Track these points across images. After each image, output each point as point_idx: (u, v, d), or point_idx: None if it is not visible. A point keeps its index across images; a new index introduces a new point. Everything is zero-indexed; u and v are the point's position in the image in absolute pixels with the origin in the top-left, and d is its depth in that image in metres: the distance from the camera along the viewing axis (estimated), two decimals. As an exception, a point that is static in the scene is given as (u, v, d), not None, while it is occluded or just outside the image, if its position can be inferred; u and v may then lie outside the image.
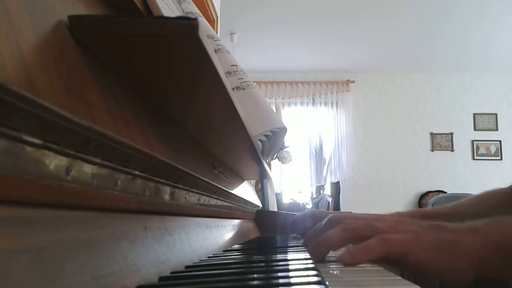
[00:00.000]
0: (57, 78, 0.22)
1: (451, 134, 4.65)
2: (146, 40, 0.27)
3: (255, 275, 0.33)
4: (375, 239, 0.40)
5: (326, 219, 0.49)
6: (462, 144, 4.65)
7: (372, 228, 0.43)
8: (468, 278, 0.42)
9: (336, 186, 4.67)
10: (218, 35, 1.03)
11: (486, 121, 4.67)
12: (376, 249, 0.39)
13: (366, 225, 0.44)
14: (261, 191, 1.35)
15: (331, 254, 0.48)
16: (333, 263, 0.44)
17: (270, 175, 1.11)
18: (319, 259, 0.44)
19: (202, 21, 0.60)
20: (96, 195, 0.25)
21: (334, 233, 0.44)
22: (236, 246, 0.64)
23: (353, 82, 4.69)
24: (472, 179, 4.51)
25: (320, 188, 4.69)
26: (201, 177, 0.45)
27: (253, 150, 0.63)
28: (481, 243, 0.41)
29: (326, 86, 4.67)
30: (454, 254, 0.41)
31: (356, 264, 0.39)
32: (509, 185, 0.71)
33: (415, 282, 0.30)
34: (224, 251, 0.55)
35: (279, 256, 0.46)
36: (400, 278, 0.33)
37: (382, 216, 0.48)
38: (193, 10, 0.62)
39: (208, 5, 2.18)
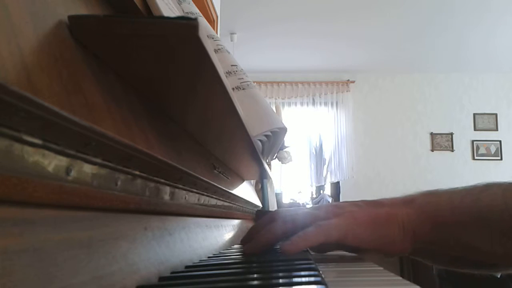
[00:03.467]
0: (57, 78, 0.22)
1: (451, 134, 4.65)
2: (146, 40, 0.27)
3: (255, 275, 0.33)
4: (313, 226, 0.42)
5: (266, 216, 0.50)
6: (462, 144, 4.65)
7: (311, 216, 0.45)
8: (405, 249, 0.44)
9: (336, 186, 4.67)
10: (218, 35, 1.03)
11: (486, 121, 4.67)
12: (314, 235, 0.41)
13: (305, 214, 0.46)
14: (261, 191, 1.35)
15: (331, 253, 0.48)
16: (333, 263, 0.44)
17: (270, 175, 1.11)
18: (258, 251, 0.46)
19: (202, 21, 0.60)
20: (96, 195, 0.25)
21: (275, 225, 0.46)
22: (236, 246, 0.64)
23: (353, 82, 4.69)
24: (472, 179, 4.48)
25: (320, 188, 4.69)
26: (201, 177, 0.45)
27: (253, 150, 0.63)
28: (415, 214, 0.44)
29: (326, 86, 4.67)
30: (389, 227, 0.43)
31: (296, 251, 0.40)
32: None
33: (415, 282, 0.30)
34: (224, 251, 0.55)
35: (279, 256, 0.46)
36: (400, 278, 0.33)
37: (327, 204, 0.50)
38: (193, 10, 0.62)
39: (208, 5, 2.18)
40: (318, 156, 4.62)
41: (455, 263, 0.48)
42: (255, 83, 0.97)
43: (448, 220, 0.42)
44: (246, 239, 0.51)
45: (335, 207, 0.46)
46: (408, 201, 0.46)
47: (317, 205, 0.50)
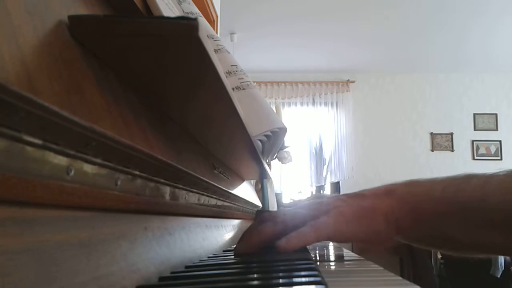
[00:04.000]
0: (57, 78, 0.22)
1: (451, 134, 4.65)
2: (146, 40, 0.27)
3: (255, 275, 0.33)
4: (306, 226, 0.43)
5: (258, 218, 0.52)
6: (462, 144, 4.65)
7: (301, 216, 0.47)
8: (390, 238, 0.46)
9: (336, 186, 4.66)
10: (218, 35, 1.03)
11: (486, 121, 4.67)
12: (307, 235, 0.43)
13: (295, 215, 0.47)
14: (261, 191, 1.35)
15: (332, 254, 0.48)
16: (334, 263, 0.44)
17: (270, 175, 1.11)
18: (247, 251, 0.47)
19: (202, 21, 0.60)
20: (96, 195, 0.25)
21: (265, 227, 0.47)
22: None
23: (353, 82, 4.69)
24: (472, 179, 4.50)
25: (320, 188, 4.69)
26: (201, 177, 0.45)
27: (253, 150, 0.63)
28: (397, 205, 0.45)
29: (326, 86, 4.67)
30: (373, 219, 0.45)
31: (291, 249, 0.41)
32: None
33: (415, 282, 0.30)
34: (224, 251, 0.55)
35: (279, 256, 0.46)
36: (400, 278, 0.33)
37: (315, 202, 0.51)
38: (193, 10, 0.62)
39: (208, 5, 2.18)
40: (318, 156, 4.62)
41: (438, 247, 0.50)
42: (255, 83, 0.97)
43: (428, 211, 0.44)
44: (239, 241, 0.52)
45: (322, 205, 0.48)
46: (389, 192, 0.47)
47: (303, 203, 0.52)
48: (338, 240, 0.45)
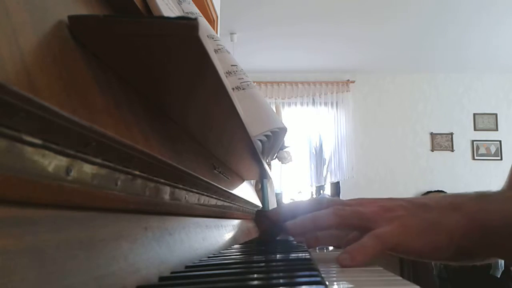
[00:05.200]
0: (57, 78, 0.22)
1: (451, 134, 4.65)
2: (146, 40, 0.27)
3: (255, 275, 0.33)
4: (370, 238, 0.41)
5: (313, 199, 0.49)
6: (462, 144, 4.65)
7: (359, 216, 0.44)
8: (450, 256, 0.43)
9: (336, 186, 4.66)
10: (218, 35, 1.03)
11: (486, 121, 4.67)
12: (372, 247, 0.40)
13: (353, 213, 0.44)
14: (261, 191, 1.34)
15: (331, 254, 0.48)
16: (333, 263, 0.44)
17: (270, 175, 1.11)
18: (298, 234, 0.45)
19: (202, 21, 0.60)
20: (96, 195, 0.25)
21: (323, 215, 0.44)
22: (236, 246, 0.64)
23: (353, 82, 4.69)
24: (472, 179, 4.51)
25: (320, 188, 4.69)
26: (201, 177, 0.45)
27: (253, 150, 0.63)
28: (463, 221, 0.42)
29: (326, 86, 4.67)
30: (437, 235, 0.42)
31: (355, 266, 0.39)
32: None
33: (415, 282, 0.30)
34: (224, 251, 0.55)
35: (279, 256, 0.46)
36: (400, 278, 0.33)
37: (369, 200, 0.48)
38: (193, 10, 0.62)
39: (208, 5, 2.18)
40: (318, 156, 4.62)
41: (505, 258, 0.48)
42: (255, 83, 0.97)
43: (499, 230, 0.41)
44: (286, 214, 0.49)
45: (383, 209, 0.44)
46: (456, 206, 0.44)
47: (361, 198, 0.46)
48: (398, 252, 0.42)
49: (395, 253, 0.42)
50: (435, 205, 0.44)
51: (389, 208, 0.44)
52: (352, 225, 0.45)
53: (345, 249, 0.40)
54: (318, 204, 0.46)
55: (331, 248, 0.51)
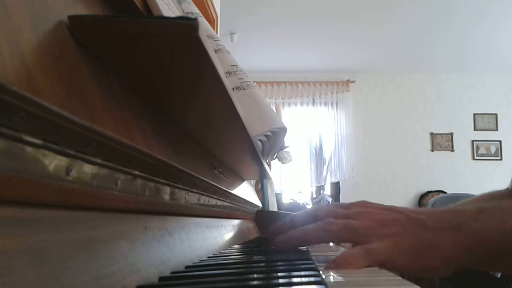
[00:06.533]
0: (57, 78, 0.22)
1: (451, 134, 4.65)
2: (146, 40, 0.27)
3: (255, 275, 0.33)
4: (359, 249, 0.41)
5: (307, 211, 0.49)
6: (462, 144, 4.65)
7: (351, 231, 0.43)
8: (444, 275, 0.43)
9: (336, 186, 4.67)
10: (218, 35, 1.03)
11: (486, 121, 4.67)
12: (360, 263, 0.40)
13: (345, 228, 0.44)
14: (261, 191, 1.35)
15: (331, 253, 0.48)
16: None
17: (270, 175, 1.11)
18: (286, 246, 0.45)
19: (202, 21, 0.60)
20: (96, 195, 0.25)
21: (312, 231, 0.44)
22: (236, 246, 0.64)
23: (353, 82, 4.69)
24: (472, 179, 4.51)
25: (320, 188, 4.69)
26: (201, 177, 0.45)
27: (253, 150, 0.63)
28: (462, 242, 0.42)
29: (326, 86, 4.67)
30: (430, 258, 0.42)
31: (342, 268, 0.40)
32: (507, 186, 0.71)
33: (415, 282, 0.30)
34: (224, 251, 0.55)
35: (279, 256, 0.46)
36: (400, 278, 0.33)
37: (368, 209, 0.46)
38: (193, 10, 0.62)
39: (208, 5, 2.18)
40: (318, 156, 4.62)
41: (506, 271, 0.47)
42: (255, 83, 0.97)
43: (500, 246, 0.41)
44: (276, 229, 0.48)
45: (379, 224, 0.44)
46: (455, 226, 0.43)
47: (355, 210, 0.44)
48: (387, 269, 0.42)
49: (385, 269, 0.42)
50: (432, 225, 0.43)
51: (385, 223, 0.44)
52: (342, 239, 0.45)
53: (334, 258, 0.40)
54: (314, 217, 0.46)
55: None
